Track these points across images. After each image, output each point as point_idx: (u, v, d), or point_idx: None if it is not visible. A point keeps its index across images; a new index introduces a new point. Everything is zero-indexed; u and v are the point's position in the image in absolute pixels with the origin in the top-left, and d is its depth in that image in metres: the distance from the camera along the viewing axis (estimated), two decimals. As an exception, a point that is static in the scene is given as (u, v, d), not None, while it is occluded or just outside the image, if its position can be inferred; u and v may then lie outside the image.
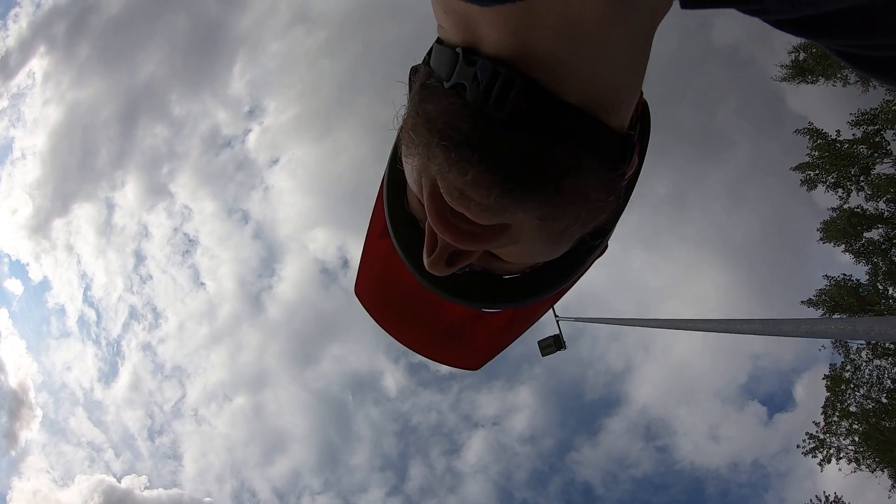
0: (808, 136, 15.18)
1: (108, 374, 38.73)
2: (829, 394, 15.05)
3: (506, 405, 38.40)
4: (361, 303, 0.99)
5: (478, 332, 0.97)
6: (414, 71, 0.60)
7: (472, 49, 0.52)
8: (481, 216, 0.52)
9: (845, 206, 15.17)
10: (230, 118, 39.78)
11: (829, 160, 14.74)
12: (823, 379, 15.27)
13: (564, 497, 35.68)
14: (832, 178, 14.90)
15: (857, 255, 15.20)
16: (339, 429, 41.69)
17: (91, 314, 39.07)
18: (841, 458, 14.66)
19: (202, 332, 41.42)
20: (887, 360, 14.83)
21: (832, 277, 15.53)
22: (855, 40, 0.52)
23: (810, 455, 15.00)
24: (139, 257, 39.21)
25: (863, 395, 14.72)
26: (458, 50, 0.52)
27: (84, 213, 38.10)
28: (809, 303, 15.62)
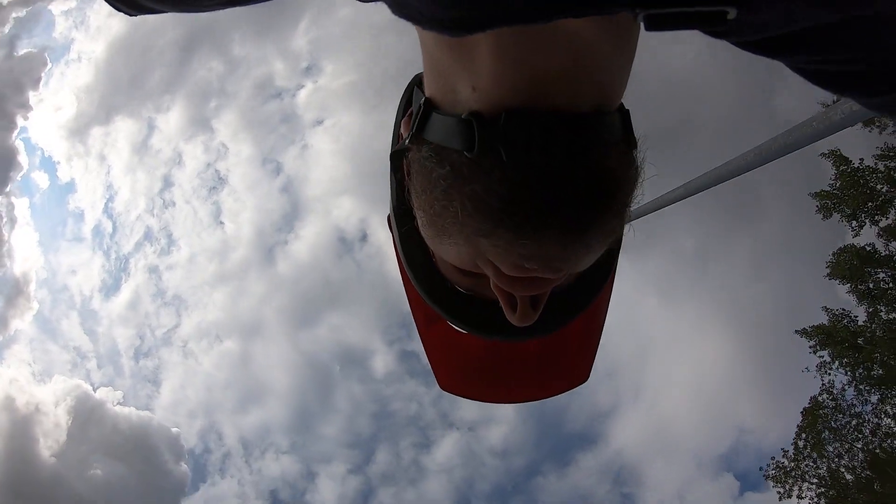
0: (831, 161, 14.99)
1: (110, 288, 39.51)
2: (803, 424, 14.72)
3: (486, 414, 37.84)
4: (455, 394, 0.97)
5: (566, 346, 0.95)
6: (400, 154, 0.59)
7: (476, 109, 0.50)
8: (565, 267, 0.52)
9: (856, 243, 14.96)
10: (286, 70, 40.81)
11: (848, 188, 14.54)
12: (802, 413, 14.95)
13: None
14: (848, 209, 14.68)
15: (862, 297, 14.95)
16: (319, 396, 41.73)
17: (108, 226, 40.05)
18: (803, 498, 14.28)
19: (210, 269, 42.07)
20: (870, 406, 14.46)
21: (831, 310, 15.28)
22: (815, 57, 0.53)
23: (772, 482, 14.59)
24: (167, 182, 40.16)
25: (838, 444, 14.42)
26: (468, 117, 0.50)
27: (124, 128, 39.28)
28: (804, 333, 15.35)
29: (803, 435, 14.66)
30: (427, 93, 0.56)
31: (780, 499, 14.38)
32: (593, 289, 0.73)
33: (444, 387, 0.96)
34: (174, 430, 34.20)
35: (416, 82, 0.66)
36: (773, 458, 14.76)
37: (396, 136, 0.70)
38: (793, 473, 14.43)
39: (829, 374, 14.89)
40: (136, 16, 0.54)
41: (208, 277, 41.68)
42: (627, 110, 0.56)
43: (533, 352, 0.94)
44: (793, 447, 14.72)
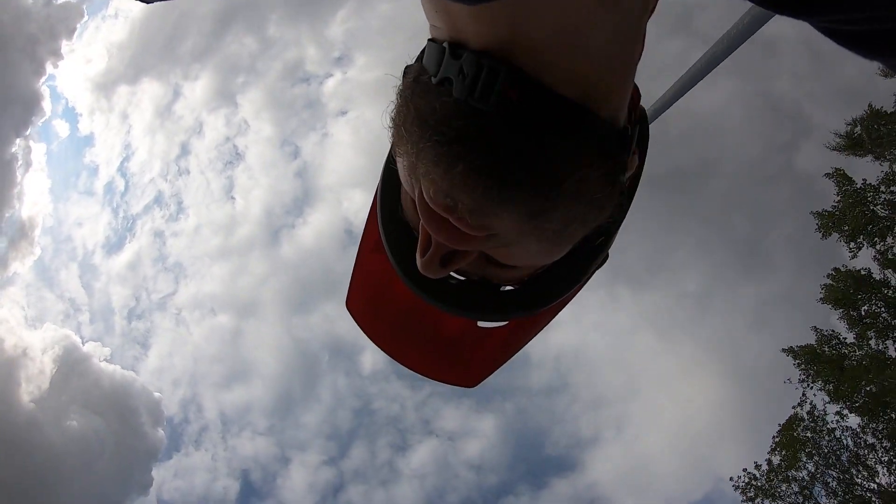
0: (834, 180, 15.02)
1: (114, 245, 39.90)
2: (779, 438, 14.48)
3: (467, 426, 37.71)
4: (353, 317, 0.95)
5: (477, 346, 0.92)
6: (406, 70, 0.59)
7: (460, 44, 0.51)
8: (469, 217, 0.51)
9: (851, 268, 14.93)
10: (317, 57, 41.50)
11: (850, 208, 14.52)
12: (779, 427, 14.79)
13: None
14: (848, 228, 14.63)
15: (853, 323, 14.92)
16: (304, 383, 41.56)
17: (120, 184, 40.54)
18: None
19: (215, 241, 42.38)
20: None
21: (820, 330, 15.26)
22: (841, 15, 0.50)
23: (741, 495, 14.38)
24: (184, 150, 40.70)
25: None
26: (445, 44, 0.52)
27: (150, 90, 39.94)
28: (790, 351, 15.32)
29: (778, 449, 14.41)
30: (430, 30, 0.58)
31: None
32: (533, 303, 0.70)
33: (349, 306, 0.94)
34: (156, 394, 34.19)
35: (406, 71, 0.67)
36: (744, 470, 14.52)
37: None
38: (763, 489, 14.18)
39: (811, 389, 14.72)
40: (151, 3, 0.51)
41: (211, 250, 42.01)
42: (631, 134, 0.56)
43: (448, 329, 0.91)
44: (766, 463, 14.49)
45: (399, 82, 0.56)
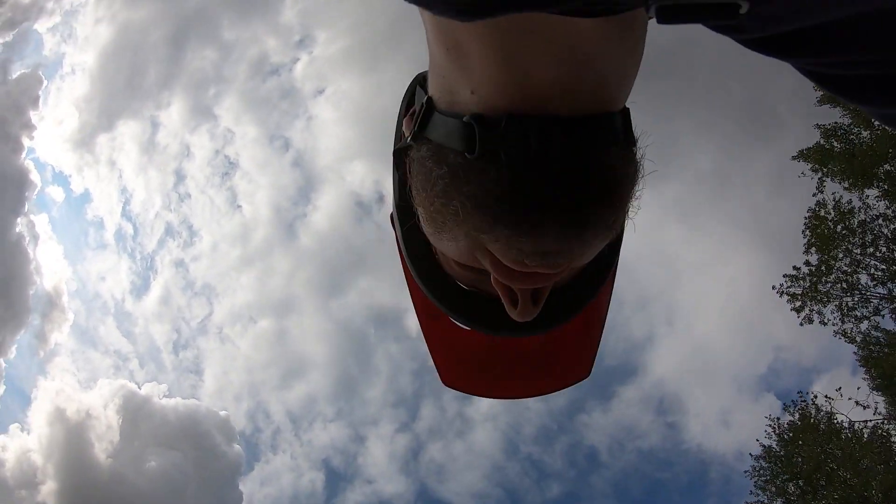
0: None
1: (140, 288, 40.21)
2: (809, 238, 13.59)
3: (523, 359, 37.90)
4: (458, 390, 0.97)
5: (568, 341, 0.94)
6: (402, 152, 0.61)
7: (477, 112, 0.51)
8: (564, 261, 0.54)
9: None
10: (279, 46, 41.00)
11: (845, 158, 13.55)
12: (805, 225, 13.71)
13: (569, 458, 34.52)
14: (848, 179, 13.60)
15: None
16: (358, 361, 41.99)
17: (128, 228, 40.78)
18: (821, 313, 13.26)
19: (235, 253, 42.64)
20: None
21: (823, 125, 14.38)
22: (823, 59, 0.52)
23: (785, 297, 13.52)
24: (179, 176, 40.72)
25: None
26: (469, 119, 0.51)
27: (128, 131, 39.84)
28: (800, 155, 14.48)
29: (812, 249, 13.57)
30: (429, 92, 0.57)
31: (799, 318, 13.44)
32: (595, 284, 0.73)
33: (446, 382, 0.96)
34: (222, 413, 34.88)
35: (419, 81, 0.68)
36: (785, 276, 13.83)
37: (399, 133, 0.72)
38: (809, 294, 13.51)
39: (828, 182, 13.93)
40: None
41: (234, 262, 42.31)
42: (628, 109, 0.57)
43: (535, 347, 0.94)
44: (805, 265, 13.73)
45: (402, 164, 0.59)
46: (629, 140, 0.55)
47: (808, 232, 13.54)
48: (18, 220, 29.91)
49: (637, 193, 0.57)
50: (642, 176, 0.56)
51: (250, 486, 34.91)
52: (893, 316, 12.71)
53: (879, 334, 12.87)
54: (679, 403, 30.51)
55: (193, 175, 40.90)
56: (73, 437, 29.54)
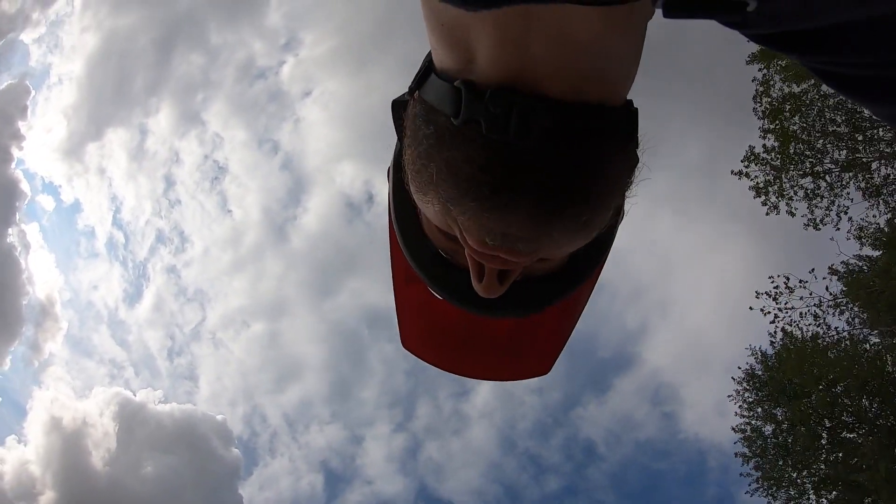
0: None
1: (133, 296, 40.09)
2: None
3: (518, 355, 37.92)
4: (414, 354, 0.96)
5: (536, 336, 0.94)
6: (400, 105, 0.60)
7: (470, 77, 0.50)
8: (522, 248, 0.52)
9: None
10: (265, 49, 40.95)
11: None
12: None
13: (566, 451, 34.83)
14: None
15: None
16: (352, 362, 42.06)
17: (119, 237, 40.58)
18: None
19: (226, 257, 42.60)
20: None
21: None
22: (834, 58, 0.51)
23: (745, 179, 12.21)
24: (169, 182, 40.61)
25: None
26: (459, 84, 0.50)
27: (117, 138, 39.70)
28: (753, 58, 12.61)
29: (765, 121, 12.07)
30: (433, 55, 0.56)
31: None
32: (572, 282, 0.72)
33: (406, 345, 0.96)
34: (219, 416, 34.86)
35: (400, 106, 0.67)
36: (743, 160, 12.28)
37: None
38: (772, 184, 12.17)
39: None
40: None
41: (225, 266, 42.26)
42: (636, 109, 0.55)
43: (502, 332, 0.93)
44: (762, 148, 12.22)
45: (401, 118, 0.58)
46: (628, 138, 0.54)
47: (759, 99, 12.33)
48: (9, 230, 29.75)
49: (629, 195, 0.56)
50: (636, 179, 0.55)
51: (249, 490, 34.95)
52: (860, 187, 11.92)
53: (863, 263, 12.33)
54: (674, 393, 30.82)
55: (183, 181, 40.80)
56: (70, 446, 29.48)
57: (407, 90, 0.59)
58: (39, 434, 29.25)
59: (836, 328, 12.27)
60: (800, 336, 12.40)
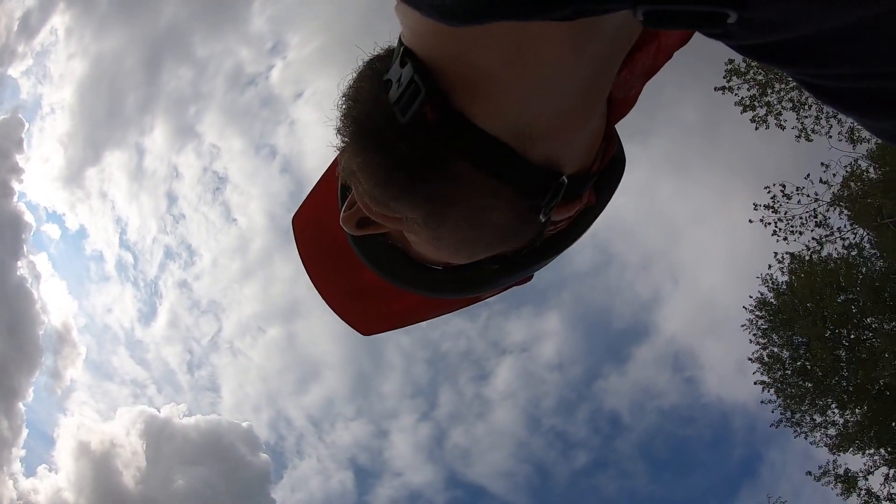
0: None
1: (148, 314, 40.29)
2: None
3: (534, 332, 37.72)
4: (294, 233, 0.97)
5: (385, 303, 0.95)
6: (371, 60, 0.62)
7: (412, 52, 0.53)
8: (364, 200, 0.58)
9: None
10: (253, 55, 41.06)
11: None
12: None
13: (592, 425, 34.62)
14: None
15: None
16: (371, 357, 42.04)
17: (128, 257, 40.83)
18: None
19: (235, 266, 42.69)
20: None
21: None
22: (819, 69, 0.51)
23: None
24: (171, 198, 40.78)
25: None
26: (400, 48, 0.54)
27: (115, 161, 39.89)
28: None
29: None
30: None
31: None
32: (434, 288, 0.74)
33: (294, 221, 0.96)
34: (244, 424, 35.02)
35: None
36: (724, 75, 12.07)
37: None
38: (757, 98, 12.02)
39: None
40: None
41: (235, 275, 42.40)
42: (587, 179, 0.61)
43: (368, 277, 0.89)
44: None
45: (362, 62, 0.60)
46: (527, 196, 0.57)
47: None
48: (19, 262, 30.03)
49: (506, 248, 0.62)
50: (526, 245, 0.61)
51: (282, 494, 35.13)
52: None
53: (868, 164, 12.07)
54: (694, 358, 30.49)
55: (185, 195, 41.05)
56: (100, 469, 29.77)
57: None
58: (69, 460, 29.60)
59: (837, 228, 12.20)
60: (807, 257, 12.38)
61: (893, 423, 12.05)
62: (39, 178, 36.40)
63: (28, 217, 31.59)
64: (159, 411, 34.08)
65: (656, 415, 32.19)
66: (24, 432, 27.66)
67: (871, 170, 11.87)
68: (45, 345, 31.95)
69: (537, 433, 35.43)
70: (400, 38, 0.56)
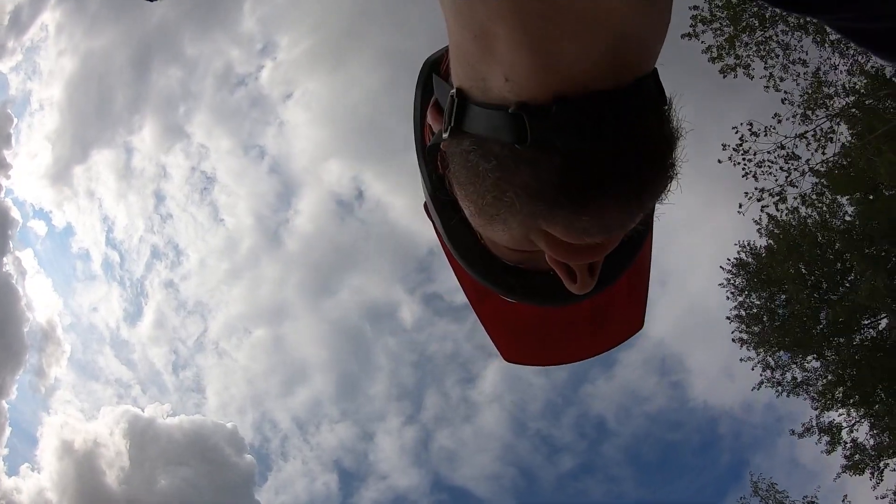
0: None
1: (133, 314, 39.93)
2: None
3: (524, 336, 37.59)
4: (522, 364, 1.02)
5: (615, 300, 0.95)
6: (436, 151, 0.63)
7: (521, 101, 0.50)
8: (623, 230, 0.55)
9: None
10: (243, 56, 41.35)
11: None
12: None
13: (577, 429, 34.28)
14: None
15: None
16: (357, 359, 41.73)
17: (115, 256, 40.55)
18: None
19: (223, 267, 42.46)
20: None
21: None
22: (852, 13, 0.51)
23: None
24: (159, 198, 40.71)
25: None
26: (516, 111, 0.49)
27: (103, 159, 39.80)
28: None
29: None
30: (456, 83, 0.56)
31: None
32: (638, 240, 0.73)
33: (507, 358, 0.99)
34: (229, 424, 34.49)
35: (431, 66, 0.70)
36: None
37: (420, 126, 0.73)
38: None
39: None
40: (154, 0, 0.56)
41: (222, 276, 42.21)
42: (656, 69, 0.56)
43: (586, 310, 0.94)
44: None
45: (433, 161, 0.62)
46: (662, 100, 0.53)
47: None
48: (4, 258, 29.83)
49: (682, 148, 0.56)
50: (682, 132, 0.55)
51: (266, 496, 34.45)
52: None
53: (861, 81, 11.92)
54: (680, 362, 30.34)
55: (173, 195, 41.08)
56: (83, 469, 29.14)
57: (440, 130, 0.58)
58: (52, 460, 28.97)
59: (806, 160, 12.02)
60: (784, 216, 12.24)
61: (875, 381, 11.84)
62: (27, 175, 36.39)
63: (14, 213, 31.44)
64: (143, 411, 33.59)
65: (643, 419, 32.16)
66: (8, 431, 27.15)
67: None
68: (30, 342, 31.52)
69: (523, 436, 35.03)
70: (477, 102, 0.53)
